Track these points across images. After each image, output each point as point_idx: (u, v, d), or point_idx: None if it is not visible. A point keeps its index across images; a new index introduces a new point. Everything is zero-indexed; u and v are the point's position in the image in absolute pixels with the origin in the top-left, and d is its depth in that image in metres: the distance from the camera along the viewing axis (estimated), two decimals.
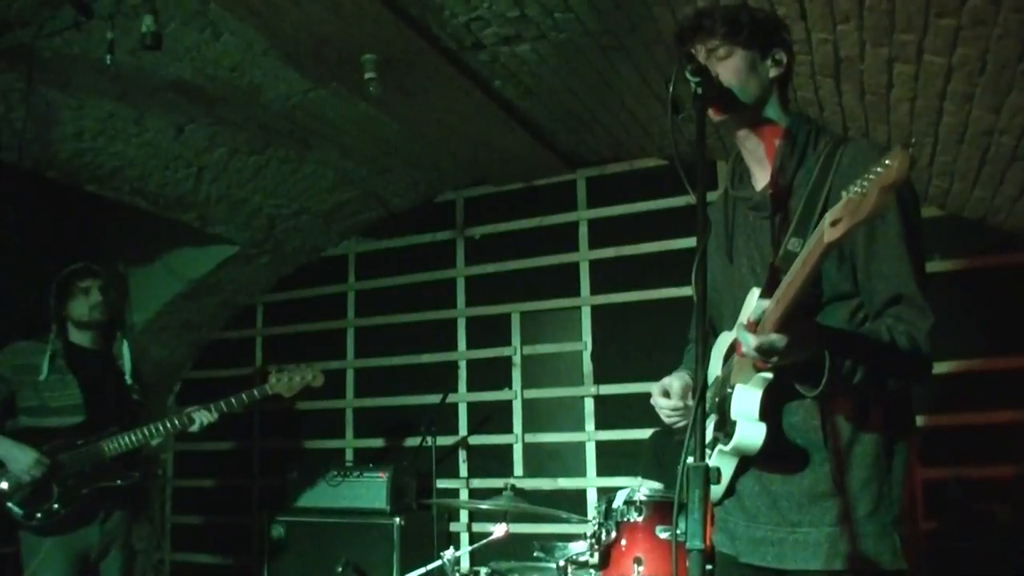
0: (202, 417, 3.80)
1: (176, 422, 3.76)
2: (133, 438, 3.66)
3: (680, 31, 1.94)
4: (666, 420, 2.07)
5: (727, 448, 1.80)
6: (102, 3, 3.14)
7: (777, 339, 1.56)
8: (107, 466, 3.64)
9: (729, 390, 1.83)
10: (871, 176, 1.33)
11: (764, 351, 1.58)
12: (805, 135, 1.90)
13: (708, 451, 1.90)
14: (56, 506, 3.52)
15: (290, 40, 3.45)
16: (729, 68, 1.85)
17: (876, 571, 1.74)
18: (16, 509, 3.49)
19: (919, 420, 4.08)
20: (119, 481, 3.68)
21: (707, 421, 1.96)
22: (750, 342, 1.58)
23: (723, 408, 1.87)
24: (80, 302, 3.76)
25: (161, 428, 3.71)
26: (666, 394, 2.05)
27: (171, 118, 4.05)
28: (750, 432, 1.77)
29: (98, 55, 3.28)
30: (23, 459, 3.46)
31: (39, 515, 3.50)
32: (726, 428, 1.83)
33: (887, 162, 1.31)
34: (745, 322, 1.63)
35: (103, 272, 3.89)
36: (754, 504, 1.90)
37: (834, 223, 1.40)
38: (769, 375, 1.76)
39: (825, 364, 1.62)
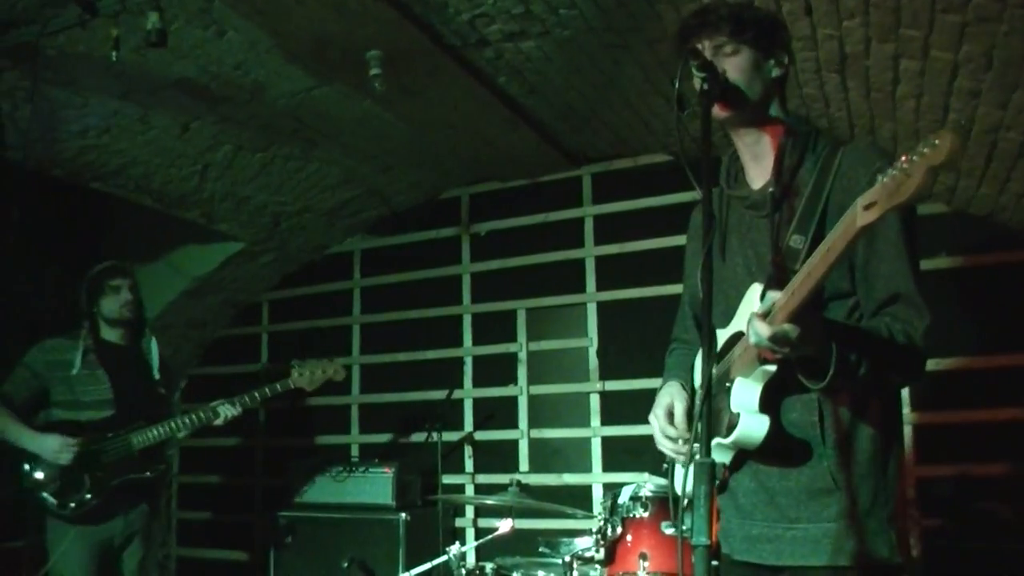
0: (227, 411, 3.90)
1: (202, 415, 3.87)
2: (160, 431, 3.77)
3: (685, 26, 1.93)
4: (668, 451, 2.04)
5: (727, 441, 1.80)
6: (107, 1, 3.14)
7: (790, 329, 1.56)
8: (135, 459, 3.74)
9: (728, 384, 1.83)
10: (915, 157, 1.31)
11: (777, 340, 1.57)
12: (806, 136, 1.91)
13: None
14: (88, 496, 3.61)
15: (294, 38, 3.45)
16: (735, 65, 1.85)
17: (877, 566, 1.75)
18: (50, 499, 3.59)
19: (922, 417, 4.10)
20: (148, 473, 3.79)
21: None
22: (763, 332, 1.58)
23: (719, 404, 1.87)
24: (111, 300, 3.86)
25: (188, 421, 3.83)
26: (670, 415, 2.04)
27: (176, 116, 4.06)
28: (753, 424, 1.77)
29: (103, 53, 3.28)
30: (51, 445, 3.57)
31: (72, 505, 3.60)
32: (722, 423, 1.83)
33: (936, 142, 1.28)
34: (757, 313, 1.62)
35: (132, 271, 3.99)
36: (750, 501, 1.90)
37: (868, 207, 1.39)
38: (771, 368, 1.76)
39: (832, 357, 1.62)
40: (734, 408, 1.79)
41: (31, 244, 4.17)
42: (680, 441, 2.00)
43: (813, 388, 1.70)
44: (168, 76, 3.71)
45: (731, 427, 1.79)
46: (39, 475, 3.59)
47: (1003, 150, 3.43)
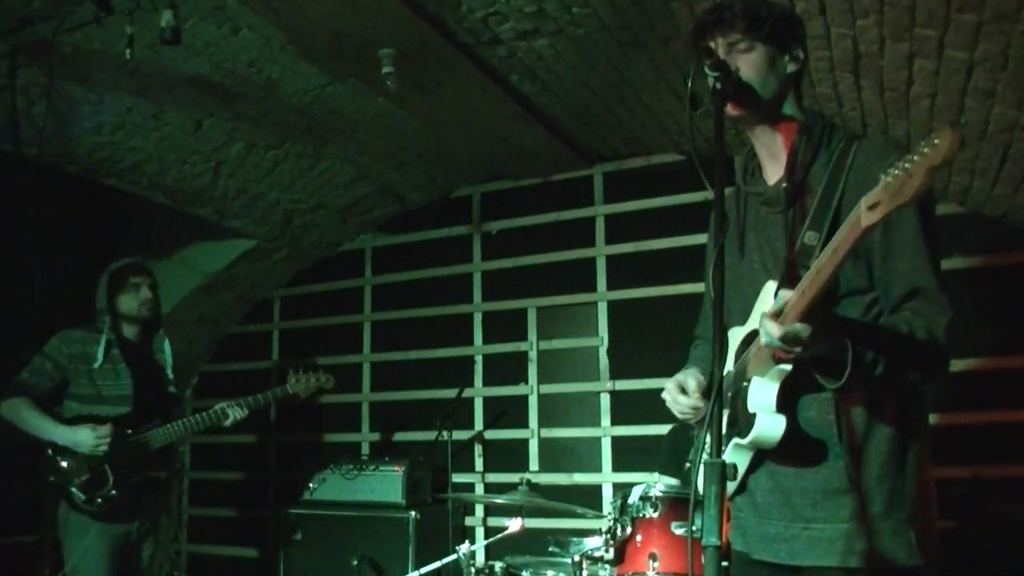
0: (235, 413, 4.00)
1: (212, 416, 3.94)
2: (175, 430, 3.82)
3: (699, 23, 1.93)
4: (679, 416, 2.08)
5: (745, 441, 1.79)
6: None
7: (801, 328, 1.55)
8: (153, 457, 3.79)
9: (745, 383, 1.82)
10: (915, 157, 1.31)
11: (788, 340, 1.56)
12: (820, 131, 1.90)
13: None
14: (114, 492, 3.64)
15: (307, 35, 3.46)
16: (750, 62, 1.84)
17: (891, 568, 1.73)
18: (78, 494, 3.60)
19: (936, 418, 4.07)
20: (164, 473, 3.87)
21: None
22: (774, 332, 1.57)
23: (736, 403, 1.86)
24: (131, 297, 3.90)
25: (199, 422, 3.90)
26: (683, 391, 2.05)
27: (189, 113, 4.07)
28: (769, 424, 1.76)
29: (117, 50, 3.29)
30: (86, 439, 3.59)
31: (99, 500, 3.62)
32: (740, 423, 1.82)
33: (936, 141, 1.28)
34: (768, 313, 1.62)
35: (152, 270, 4.05)
36: (766, 500, 1.89)
37: (872, 207, 1.38)
38: (787, 367, 1.75)
39: (848, 356, 1.60)
40: (751, 408, 1.78)
41: (45, 240, 4.19)
42: (692, 409, 2.02)
43: (829, 388, 1.69)
44: (182, 73, 3.72)
45: (748, 427, 1.78)
46: (65, 464, 3.61)
47: (1018, 150, 3.41)
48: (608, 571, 3.26)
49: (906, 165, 1.32)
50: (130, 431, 3.74)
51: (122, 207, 5.35)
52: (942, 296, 1.74)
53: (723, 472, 1.50)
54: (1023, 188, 3.72)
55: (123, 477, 3.68)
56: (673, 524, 3.06)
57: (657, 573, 3.03)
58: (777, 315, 1.60)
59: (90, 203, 5.08)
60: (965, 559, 3.43)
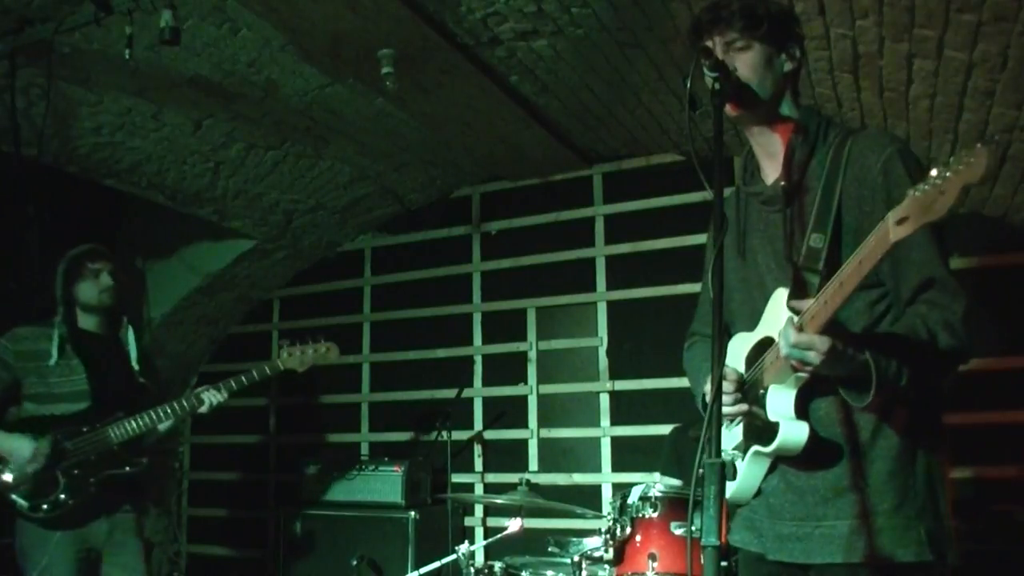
0: (211, 397, 3.62)
1: (184, 404, 3.57)
2: (139, 423, 3.48)
3: (697, 23, 1.92)
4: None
5: (768, 449, 1.79)
6: None
7: (819, 341, 1.57)
8: (114, 453, 3.45)
9: (762, 391, 1.82)
10: (948, 173, 1.30)
11: (805, 347, 1.58)
12: (816, 128, 1.90)
13: (740, 454, 1.90)
14: (63, 496, 3.33)
15: (307, 36, 3.46)
16: (747, 62, 1.84)
17: (898, 564, 1.72)
18: (21, 501, 3.29)
19: None
20: (127, 468, 3.49)
21: (732, 424, 1.96)
22: (793, 339, 1.58)
23: (751, 411, 1.86)
24: (90, 285, 3.59)
25: (168, 411, 3.53)
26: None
27: (189, 113, 4.07)
28: (794, 431, 1.76)
29: (117, 50, 3.30)
30: (22, 452, 3.28)
31: (45, 507, 3.31)
32: (760, 431, 1.82)
33: (971, 160, 1.27)
34: (793, 322, 1.63)
35: (114, 255, 3.73)
36: (778, 501, 1.89)
37: (900, 221, 1.38)
38: (804, 374, 1.75)
39: (872, 375, 1.61)
40: (771, 416, 1.79)
41: (45, 240, 4.19)
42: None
43: (857, 405, 1.69)
44: (182, 73, 3.72)
45: (770, 435, 1.78)
46: (7, 477, 3.28)
47: (1018, 151, 3.41)
48: (608, 571, 3.26)
49: (937, 181, 1.31)
50: (86, 428, 3.42)
51: (122, 207, 5.36)
52: (956, 284, 1.74)
53: (723, 472, 1.50)
54: (1023, 188, 3.72)
55: (76, 479, 3.36)
56: (672, 524, 3.06)
57: (656, 573, 3.03)
58: (798, 325, 1.61)
59: (90, 203, 5.08)
60: (965, 559, 3.43)
